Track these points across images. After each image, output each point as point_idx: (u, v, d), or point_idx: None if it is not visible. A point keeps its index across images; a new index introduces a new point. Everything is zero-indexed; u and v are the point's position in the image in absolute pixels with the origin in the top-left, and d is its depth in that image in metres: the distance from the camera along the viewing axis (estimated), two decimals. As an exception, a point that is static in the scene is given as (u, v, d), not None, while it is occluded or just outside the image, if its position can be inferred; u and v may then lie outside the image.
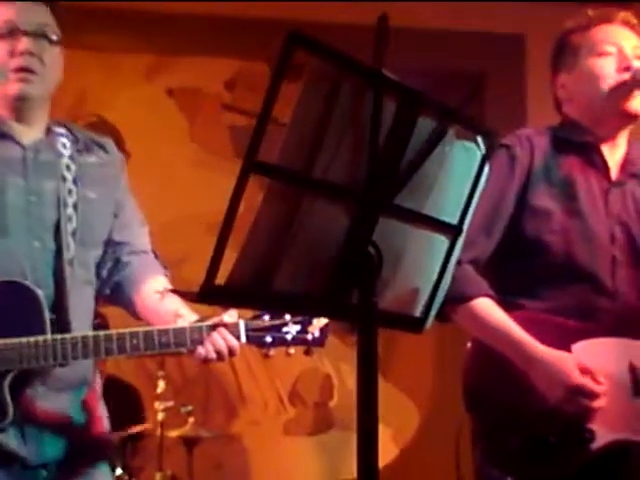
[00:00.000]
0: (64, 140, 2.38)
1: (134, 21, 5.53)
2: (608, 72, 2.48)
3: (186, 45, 5.63)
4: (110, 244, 2.46)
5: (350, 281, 1.44)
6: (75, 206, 2.32)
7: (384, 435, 5.19)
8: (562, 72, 2.60)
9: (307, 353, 2.38)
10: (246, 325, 2.30)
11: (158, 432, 4.20)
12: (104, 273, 2.46)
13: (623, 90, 2.46)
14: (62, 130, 2.41)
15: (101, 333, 2.21)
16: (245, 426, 5.43)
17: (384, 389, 4.84)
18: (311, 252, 1.40)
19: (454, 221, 1.65)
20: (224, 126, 5.77)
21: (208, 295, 1.27)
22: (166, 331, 2.24)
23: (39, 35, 2.29)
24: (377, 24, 1.30)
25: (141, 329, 2.24)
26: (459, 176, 1.64)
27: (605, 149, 2.53)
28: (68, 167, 2.34)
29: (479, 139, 1.65)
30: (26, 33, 2.28)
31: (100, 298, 2.49)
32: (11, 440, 2.20)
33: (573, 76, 2.56)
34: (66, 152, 2.36)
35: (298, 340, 2.34)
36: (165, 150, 5.55)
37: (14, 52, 2.27)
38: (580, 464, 2.28)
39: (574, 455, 2.28)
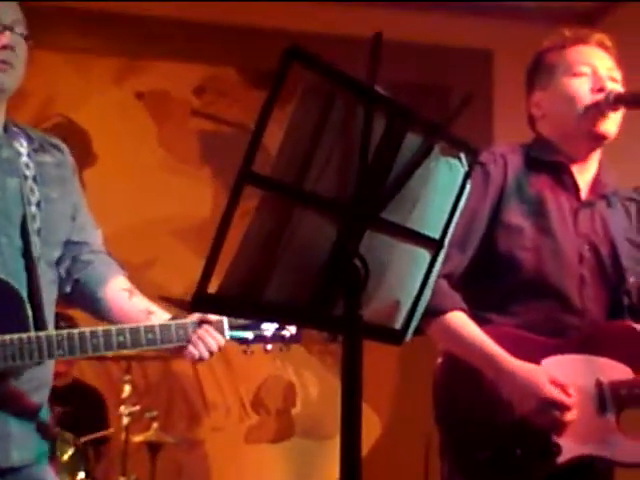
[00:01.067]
0: (20, 139, 2.37)
1: (104, 24, 5.52)
2: (582, 92, 2.50)
3: (156, 49, 5.63)
4: (68, 245, 2.44)
5: (337, 293, 1.46)
6: (38, 204, 2.31)
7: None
8: (536, 90, 2.61)
9: (282, 349, 2.44)
10: (229, 322, 2.34)
11: (122, 437, 4.19)
12: (62, 272, 2.44)
13: (596, 111, 2.48)
14: (16, 129, 2.40)
15: (87, 330, 2.21)
16: (208, 432, 5.43)
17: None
18: (300, 263, 1.41)
19: (436, 235, 1.67)
20: (192, 131, 5.78)
21: (200, 304, 1.27)
22: (152, 327, 2.25)
23: (15, 30, 2.29)
24: (372, 41, 1.31)
25: (127, 326, 2.25)
26: (442, 191, 1.66)
27: (575, 169, 2.55)
28: (27, 165, 2.33)
29: (462, 156, 1.68)
30: (5, 27, 2.27)
31: (59, 298, 2.47)
32: None
33: (547, 95, 2.58)
34: (23, 150, 2.35)
35: (276, 337, 2.41)
36: (133, 153, 5.54)
37: None
38: (545, 476, 2.32)
39: (540, 468, 2.31)
